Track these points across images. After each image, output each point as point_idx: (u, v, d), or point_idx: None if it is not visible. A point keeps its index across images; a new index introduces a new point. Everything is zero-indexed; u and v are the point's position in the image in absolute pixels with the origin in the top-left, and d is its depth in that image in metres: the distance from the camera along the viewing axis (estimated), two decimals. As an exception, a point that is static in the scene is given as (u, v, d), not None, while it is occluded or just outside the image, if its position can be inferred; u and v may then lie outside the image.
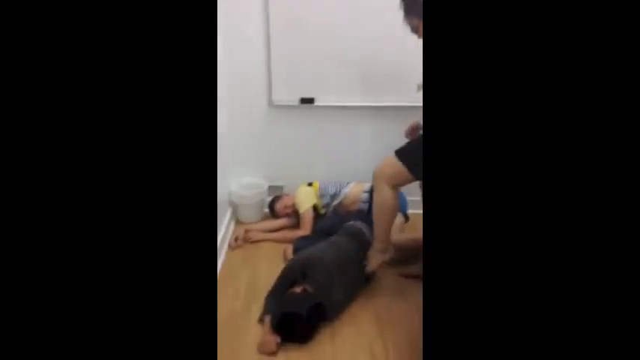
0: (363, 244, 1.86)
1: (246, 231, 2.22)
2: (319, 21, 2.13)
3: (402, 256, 1.95)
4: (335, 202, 2.24)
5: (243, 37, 2.17)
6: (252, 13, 2.13)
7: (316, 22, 2.13)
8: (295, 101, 2.29)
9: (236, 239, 2.17)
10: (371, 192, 2.18)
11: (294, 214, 2.28)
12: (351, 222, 2.01)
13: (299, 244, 2.02)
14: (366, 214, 2.11)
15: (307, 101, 2.29)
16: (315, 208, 2.26)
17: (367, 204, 2.17)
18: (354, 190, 2.24)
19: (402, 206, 2.11)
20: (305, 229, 2.19)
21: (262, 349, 1.50)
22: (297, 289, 1.60)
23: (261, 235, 2.22)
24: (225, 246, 2.15)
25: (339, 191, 2.26)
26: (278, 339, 1.51)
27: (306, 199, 2.23)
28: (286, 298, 1.58)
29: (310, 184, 2.31)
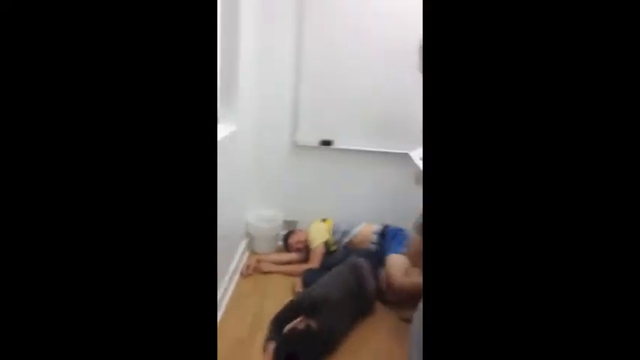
0: (361, 280, 1.94)
1: (258, 261, 2.30)
2: (345, 67, 2.31)
3: (402, 299, 1.99)
4: (345, 240, 2.32)
5: (276, 82, 2.36)
6: (284, 60, 2.33)
7: (342, 69, 2.31)
8: (316, 142, 2.43)
9: (248, 267, 2.25)
10: (380, 233, 2.26)
11: (306, 249, 2.37)
12: (355, 257, 2.08)
13: (308, 277, 2.08)
14: (372, 254, 2.17)
15: (326, 143, 2.43)
16: (326, 244, 2.33)
17: (376, 245, 2.24)
18: (365, 230, 2.32)
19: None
20: (314, 263, 2.26)
21: None
22: (301, 325, 1.65)
23: (272, 267, 2.30)
24: (238, 274, 2.22)
25: (351, 230, 2.34)
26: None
27: (318, 235, 2.32)
28: (290, 335, 1.63)
29: (324, 221, 2.41)
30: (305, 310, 1.71)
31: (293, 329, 1.65)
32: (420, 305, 1.01)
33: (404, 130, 2.36)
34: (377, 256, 2.19)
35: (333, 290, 1.82)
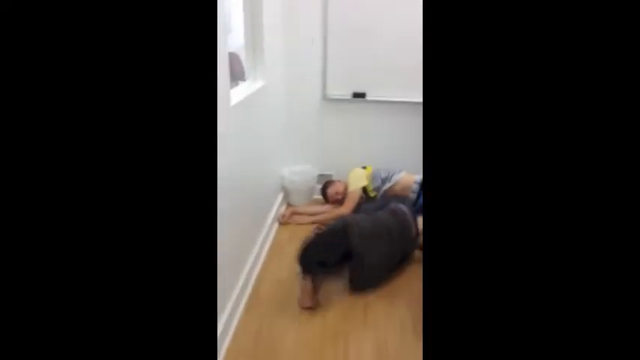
0: (404, 225, 1.94)
1: (292, 213, 2.43)
2: (373, 23, 2.28)
3: None
4: (385, 187, 2.33)
5: (302, 37, 2.37)
6: (311, 15, 2.32)
7: (370, 24, 2.28)
8: (348, 95, 2.45)
9: (283, 216, 2.40)
10: (421, 183, 2.28)
11: (344, 200, 2.41)
12: (396, 203, 2.09)
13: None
14: (413, 204, 2.20)
15: (359, 96, 2.44)
16: (364, 189, 2.37)
17: (416, 194, 2.26)
18: (405, 178, 2.32)
19: None
20: (347, 207, 2.31)
21: (301, 304, 1.72)
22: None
23: (306, 219, 2.41)
24: (276, 224, 2.37)
25: (390, 177, 2.35)
26: (309, 284, 1.74)
27: (357, 180, 2.36)
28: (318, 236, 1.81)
29: (364, 168, 2.44)
30: (338, 232, 1.78)
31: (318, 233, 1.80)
32: None
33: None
34: (417, 205, 2.21)
35: (366, 220, 1.87)
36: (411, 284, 1.88)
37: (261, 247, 2.06)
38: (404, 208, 2.05)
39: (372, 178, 2.37)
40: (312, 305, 1.71)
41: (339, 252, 1.78)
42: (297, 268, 1.88)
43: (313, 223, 2.37)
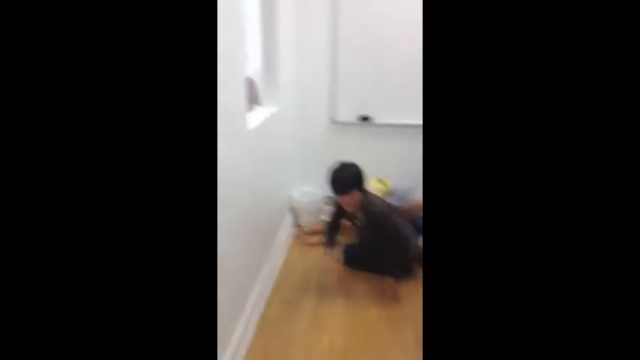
0: (404, 241, 2.06)
1: (301, 232, 2.52)
2: (380, 48, 2.37)
3: None
4: (400, 204, 2.28)
5: (313, 62, 2.46)
6: (322, 41, 2.42)
7: (377, 49, 2.37)
8: (354, 119, 2.52)
9: (298, 236, 2.50)
10: None
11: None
12: (402, 220, 2.15)
13: (348, 250, 2.21)
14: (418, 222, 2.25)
15: (365, 119, 2.51)
16: None
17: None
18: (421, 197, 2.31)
19: None
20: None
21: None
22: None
23: (316, 239, 2.44)
24: (285, 243, 2.40)
25: (408, 194, 2.34)
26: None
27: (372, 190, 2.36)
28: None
29: (380, 180, 2.44)
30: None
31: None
32: None
33: None
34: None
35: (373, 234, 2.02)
36: (414, 305, 1.91)
37: (271, 267, 2.09)
38: (407, 224, 2.15)
39: (390, 193, 2.38)
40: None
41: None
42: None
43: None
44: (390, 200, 2.36)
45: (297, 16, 2.36)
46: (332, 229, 2.16)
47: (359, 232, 2.18)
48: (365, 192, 1.98)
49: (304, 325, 1.77)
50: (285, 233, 2.42)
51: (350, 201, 1.95)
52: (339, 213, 2.12)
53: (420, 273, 2.10)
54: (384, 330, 1.76)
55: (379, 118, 2.51)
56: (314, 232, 2.51)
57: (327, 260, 2.22)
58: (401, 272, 2.02)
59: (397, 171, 2.60)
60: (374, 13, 2.32)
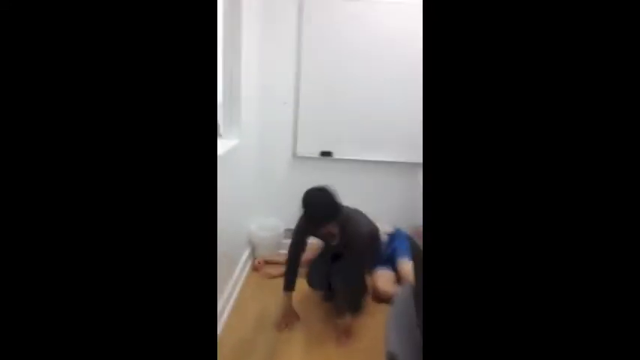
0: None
1: (260, 262, 2.46)
2: (342, 84, 2.46)
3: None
4: None
5: (276, 97, 2.51)
6: (286, 77, 2.48)
7: (339, 85, 2.46)
8: (316, 154, 2.56)
9: (258, 263, 2.45)
10: (391, 235, 2.39)
11: None
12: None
13: (312, 271, 2.16)
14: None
15: (326, 154, 2.56)
16: None
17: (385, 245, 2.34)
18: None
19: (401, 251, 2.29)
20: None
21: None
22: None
23: (277, 270, 2.39)
24: (241, 279, 2.33)
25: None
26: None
27: None
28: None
29: None
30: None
31: None
32: (399, 289, 1.10)
33: (400, 140, 2.48)
34: (384, 256, 2.32)
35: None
36: (368, 341, 1.89)
37: (224, 305, 2.02)
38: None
39: None
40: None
41: None
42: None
43: (282, 275, 2.36)
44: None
45: (261, 49, 2.42)
46: (294, 259, 2.02)
47: (330, 249, 2.10)
48: (344, 215, 1.88)
49: (258, 365, 1.71)
50: (242, 267, 2.36)
51: (331, 230, 1.88)
52: (306, 231, 2.03)
53: (372, 308, 2.10)
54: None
55: (340, 154, 2.56)
56: (274, 263, 2.46)
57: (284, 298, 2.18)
58: (357, 306, 1.99)
59: (357, 206, 2.64)
60: (337, 49, 2.42)
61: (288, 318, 1.98)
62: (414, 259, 1.26)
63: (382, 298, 2.15)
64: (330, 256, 2.09)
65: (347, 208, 1.95)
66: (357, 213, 2.02)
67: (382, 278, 2.24)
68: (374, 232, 2.01)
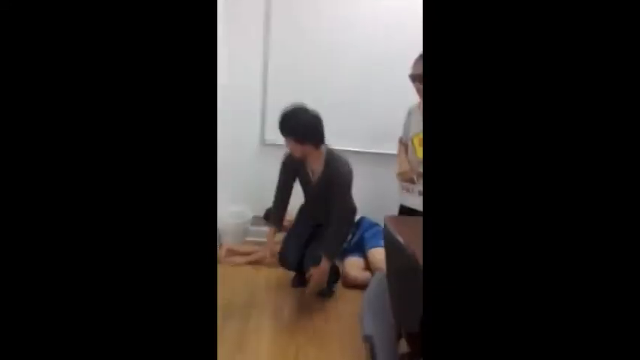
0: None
1: (228, 251, 2.42)
2: (311, 69, 2.45)
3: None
4: None
5: (243, 82, 2.47)
6: (251, 61, 2.44)
7: (308, 70, 2.45)
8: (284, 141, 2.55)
9: (225, 255, 2.40)
10: (356, 224, 2.43)
11: None
12: None
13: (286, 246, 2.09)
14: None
15: (295, 142, 2.55)
16: None
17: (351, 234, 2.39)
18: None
19: (368, 242, 2.34)
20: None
21: None
22: None
23: (242, 259, 2.40)
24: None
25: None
26: None
27: None
28: None
29: None
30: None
31: None
32: (374, 275, 1.14)
33: (365, 130, 2.52)
34: (350, 243, 2.37)
35: None
36: (340, 326, 1.94)
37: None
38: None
39: None
40: None
41: None
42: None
43: (249, 263, 2.36)
44: None
45: (229, 32, 2.36)
46: (281, 197, 2.01)
47: (309, 191, 2.02)
48: (329, 149, 1.88)
49: (229, 350, 1.70)
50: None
51: (316, 155, 1.84)
52: (293, 170, 1.96)
53: (343, 293, 2.15)
54: (312, 350, 1.75)
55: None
56: (241, 252, 2.45)
57: (254, 281, 2.18)
58: (335, 250, 1.94)
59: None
60: (306, 39, 2.41)
61: (265, 253, 2.07)
62: (386, 245, 1.30)
63: (352, 285, 2.20)
64: (309, 233, 2.07)
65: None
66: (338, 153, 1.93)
67: (352, 265, 2.29)
68: (351, 176, 1.89)
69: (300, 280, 2.12)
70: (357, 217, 2.47)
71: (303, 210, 2.13)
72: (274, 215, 2.05)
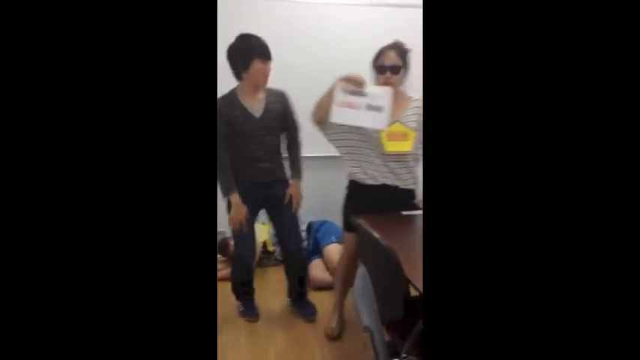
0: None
1: None
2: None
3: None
4: None
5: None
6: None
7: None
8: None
9: None
10: (307, 230, 2.56)
11: None
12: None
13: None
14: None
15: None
16: (264, 244, 2.54)
17: (306, 241, 2.51)
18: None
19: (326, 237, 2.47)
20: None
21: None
22: None
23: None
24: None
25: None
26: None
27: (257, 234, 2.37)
28: None
29: (264, 224, 2.53)
30: None
31: None
32: (358, 270, 1.22)
33: (312, 134, 2.56)
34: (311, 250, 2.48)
35: None
36: (315, 326, 2.00)
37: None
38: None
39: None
40: None
41: None
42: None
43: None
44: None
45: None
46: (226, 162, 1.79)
47: (253, 126, 1.81)
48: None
49: None
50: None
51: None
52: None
53: (312, 296, 2.21)
54: (291, 354, 1.79)
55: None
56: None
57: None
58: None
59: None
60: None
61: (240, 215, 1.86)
62: (363, 242, 1.40)
63: (320, 286, 2.30)
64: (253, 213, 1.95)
65: None
66: None
67: (316, 268, 2.39)
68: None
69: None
70: (304, 224, 2.55)
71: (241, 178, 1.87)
72: (222, 186, 1.82)
